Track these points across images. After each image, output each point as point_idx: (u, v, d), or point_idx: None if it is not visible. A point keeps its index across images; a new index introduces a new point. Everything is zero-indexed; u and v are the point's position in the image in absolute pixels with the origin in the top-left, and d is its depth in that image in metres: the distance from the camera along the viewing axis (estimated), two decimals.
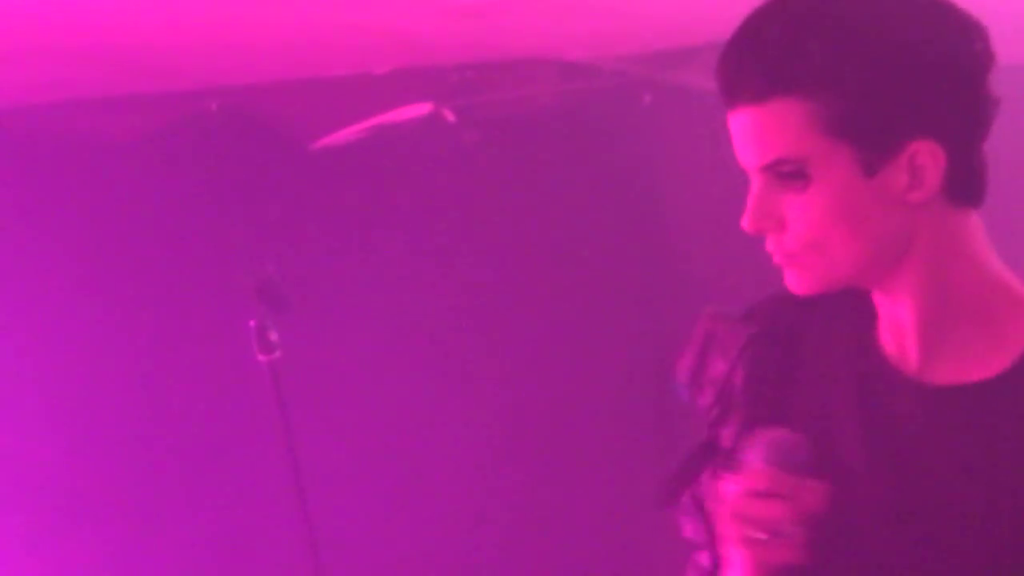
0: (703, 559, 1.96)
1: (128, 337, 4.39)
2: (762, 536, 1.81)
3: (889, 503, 1.87)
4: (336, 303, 4.44)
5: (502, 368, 4.63)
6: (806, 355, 1.95)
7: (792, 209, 1.79)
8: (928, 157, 1.78)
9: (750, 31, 1.80)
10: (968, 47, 1.80)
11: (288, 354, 3.60)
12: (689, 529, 1.98)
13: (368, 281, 4.55)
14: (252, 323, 3.56)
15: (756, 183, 1.81)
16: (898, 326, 1.89)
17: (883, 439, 1.87)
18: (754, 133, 1.80)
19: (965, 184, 1.82)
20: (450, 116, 4.55)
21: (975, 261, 1.86)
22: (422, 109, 4.53)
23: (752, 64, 1.78)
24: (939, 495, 1.85)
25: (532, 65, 4.67)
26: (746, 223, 1.81)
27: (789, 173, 1.78)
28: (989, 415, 1.84)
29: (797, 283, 1.85)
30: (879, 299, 1.89)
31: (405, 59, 4.54)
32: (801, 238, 1.80)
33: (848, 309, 1.93)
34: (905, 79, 1.77)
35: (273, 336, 3.56)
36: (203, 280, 4.34)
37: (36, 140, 4.33)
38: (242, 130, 4.57)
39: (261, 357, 3.54)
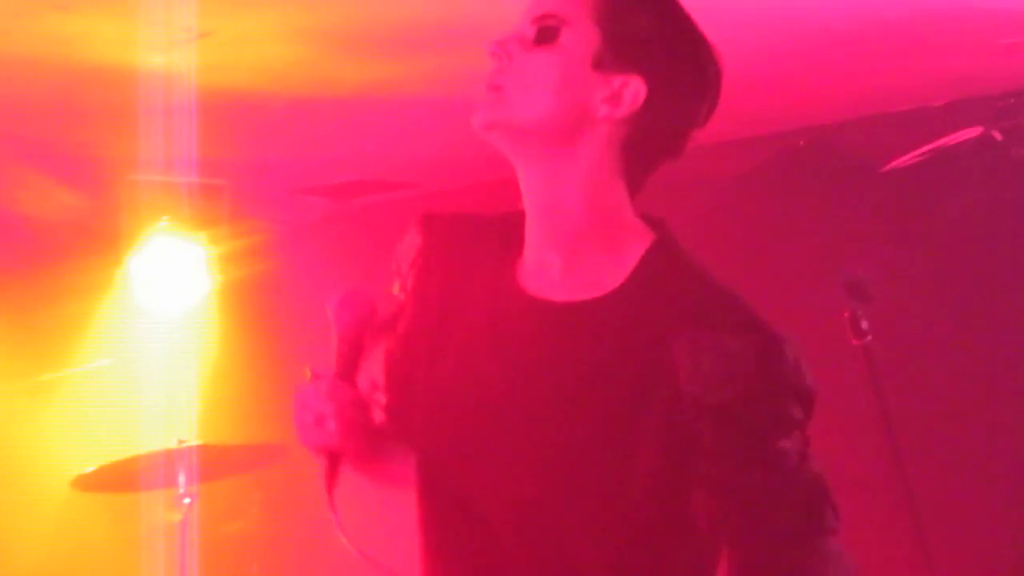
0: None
1: None
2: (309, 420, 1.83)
3: (517, 404, 1.82)
4: (910, 297, 4.51)
5: None
6: (459, 276, 1.93)
7: (532, 57, 1.82)
8: (634, 93, 1.82)
9: None
10: (713, 61, 1.88)
11: (876, 339, 3.71)
12: None
13: (933, 279, 4.61)
14: (846, 314, 3.68)
15: (522, 31, 1.85)
16: (545, 240, 1.85)
17: (512, 350, 1.84)
18: None
19: (643, 141, 1.84)
20: (998, 136, 4.55)
21: (618, 193, 1.84)
22: (973, 132, 4.53)
23: None
24: (556, 397, 1.80)
25: None
26: (497, 41, 1.84)
27: (548, 27, 1.82)
28: (600, 326, 1.81)
29: (486, 110, 1.82)
30: (535, 192, 1.85)
31: (957, 92, 4.67)
32: (520, 76, 1.81)
33: (500, 241, 1.92)
34: (669, 42, 1.85)
35: (864, 324, 3.68)
36: (802, 280, 4.51)
37: (663, 181, 4.67)
38: (825, 160, 4.77)
39: (855, 342, 3.67)
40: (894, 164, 4.48)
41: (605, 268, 1.84)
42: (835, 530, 1.79)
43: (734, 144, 4.83)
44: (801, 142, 4.82)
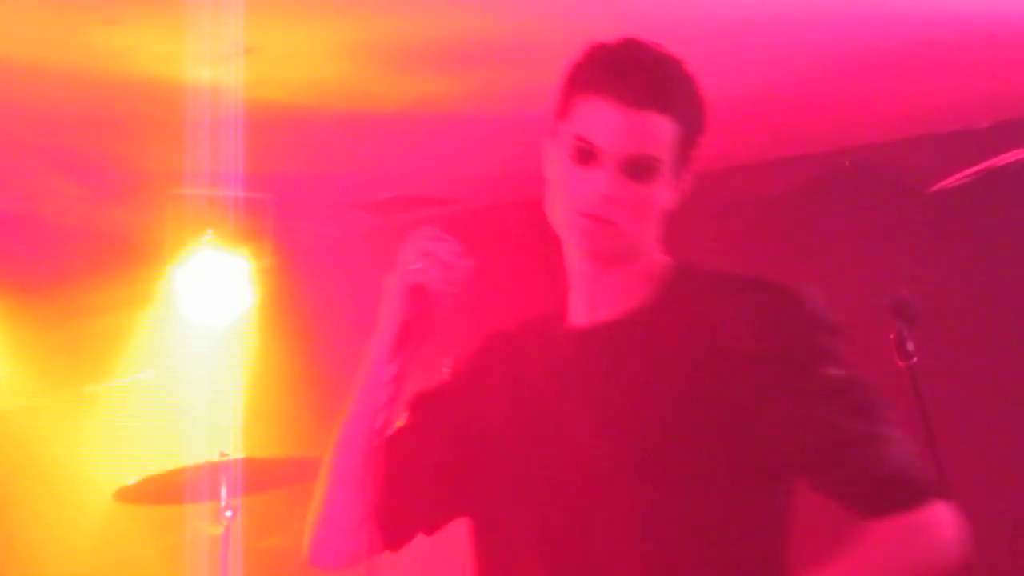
0: None
1: None
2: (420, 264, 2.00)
3: (540, 431, 2.00)
4: (957, 319, 4.51)
5: None
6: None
7: (633, 193, 1.97)
8: (685, 187, 2.02)
9: (657, 59, 2.03)
10: None
11: (922, 360, 3.57)
12: None
13: (980, 300, 4.60)
14: (892, 336, 3.55)
15: (611, 165, 1.97)
16: (591, 287, 2.03)
17: (536, 376, 2.03)
18: (640, 130, 1.98)
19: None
20: None
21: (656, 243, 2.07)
22: (1019, 154, 4.51)
23: (660, 83, 2.00)
24: (582, 418, 1.97)
25: None
26: (607, 185, 1.96)
27: (647, 167, 1.98)
28: (617, 348, 1.99)
29: (597, 239, 1.98)
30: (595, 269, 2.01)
31: (1003, 114, 4.63)
32: (627, 211, 1.97)
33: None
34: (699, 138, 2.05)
35: (909, 346, 3.53)
36: (848, 301, 4.53)
37: (712, 199, 4.67)
38: (871, 180, 4.75)
39: (901, 363, 3.54)
40: (941, 185, 4.42)
41: (633, 289, 2.03)
42: (889, 419, 1.94)
43: (780, 163, 4.91)
44: (847, 162, 4.79)
